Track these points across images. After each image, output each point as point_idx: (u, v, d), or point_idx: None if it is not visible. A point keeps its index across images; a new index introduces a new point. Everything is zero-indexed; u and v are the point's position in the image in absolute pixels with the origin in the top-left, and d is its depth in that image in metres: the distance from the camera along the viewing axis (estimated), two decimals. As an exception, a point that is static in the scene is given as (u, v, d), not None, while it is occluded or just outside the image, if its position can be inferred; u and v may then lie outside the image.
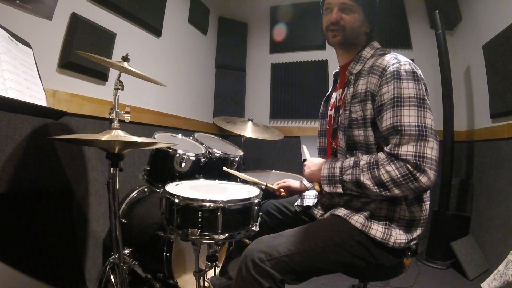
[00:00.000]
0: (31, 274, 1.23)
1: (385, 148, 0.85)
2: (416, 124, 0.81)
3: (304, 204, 1.12)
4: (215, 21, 3.19)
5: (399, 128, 0.82)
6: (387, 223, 0.89)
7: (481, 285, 1.67)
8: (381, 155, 0.85)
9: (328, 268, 0.88)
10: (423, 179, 0.78)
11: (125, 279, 1.23)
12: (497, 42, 2.01)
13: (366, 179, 0.85)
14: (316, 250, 0.85)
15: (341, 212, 0.93)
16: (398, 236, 0.87)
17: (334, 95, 1.13)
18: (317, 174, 0.97)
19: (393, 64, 0.88)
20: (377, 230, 0.87)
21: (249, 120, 2.07)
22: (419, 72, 0.88)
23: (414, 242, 0.92)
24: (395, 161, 0.81)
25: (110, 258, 1.30)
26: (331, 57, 2.99)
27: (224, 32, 3.23)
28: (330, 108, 1.13)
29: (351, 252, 0.87)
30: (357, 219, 0.89)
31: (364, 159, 0.88)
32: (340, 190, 0.91)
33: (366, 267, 0.89)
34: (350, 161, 0.90)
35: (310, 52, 3.09)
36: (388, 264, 0.90)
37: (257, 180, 1.28)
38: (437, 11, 2.25)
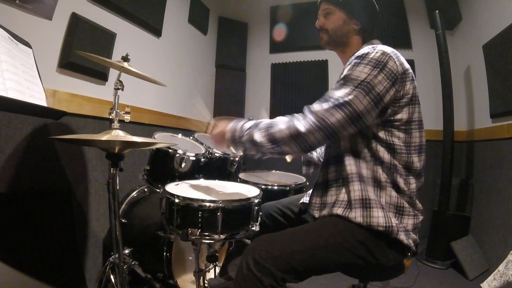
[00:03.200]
0: (31, 274, 1.22)
1: None
2: (343, 98, 0.85)
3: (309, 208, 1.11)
4: (215, 21, 3.19)
5: (324, 97, 0.89)
6: (380, 206, 0.88)
7: (481, 285, 1.67)
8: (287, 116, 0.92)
9: (329, 267, 0.88)
10: (301, 130, 0.86)
11: (125, 279, 1.23)
12: (497, 42, 2.01)
13: (259, 136, 0.92)
14: (317, 249, 0.85)
15: (339, 210, 0.92)
16: (396, 220, 0.88)
17: None
18: (221, 135, 1.05)
19: (365, 50, 0.90)
20: (378, 216, 0.86)
21: (250, 119, 2.07)
22: (393, 63, 0.87)
23: (414, 237, 0.92)
24: (292, 121, 0.89)
25: (110, 258, 1.30)
26: (331, 57, 3.00)
27: (224, 32, 3.23)
28: None
29: (352, 251, 0.87)
30: (356, 214, 0.88)
31: (269, 120, 0.95)
32: (240, 148, 0.99)
33: (366, 267, 0.89)
34: (251, 122, 0.98)
35: (310, 52, 3.09)
36: (387, 264, 0.89)
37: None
38: (437, 11, 2.25)
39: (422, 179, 0.95)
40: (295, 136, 0.87)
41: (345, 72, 0.91)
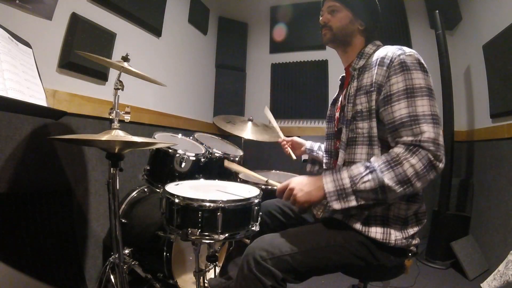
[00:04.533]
0: (31, 274, 1.23)
1: (400, 140, 0.83)
2: (431, 112, 0.82)
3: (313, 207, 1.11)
4: (215, 21, 3.19)
5: (415, 118, 0.81)
6: (384, 222, 0.88)
7: (481, 285, 1.67)
8: (398, 149, 0.81)
9: (330, 268, 0.88)
10: (440, 167, 0.79)
11: (125, 279, 1.23)
12: (497, 42, 2.01)
13: (388, 180, 0.79)
14: (319, 250, 0.85)
15: (340, 216, 0.93)
16: (397, 234, 0.88)
17: (340, 97, 1.13)
18: (316, 193, 0.86)
19: (399, 55, 0.87)
20: (376, 232, 0.87)
21: (249, 120, 2.07)
22: (423, 62, 0.88)
23: (415, 241, 0.92)
24: (418, 152, 0.78)
25: (110, 258, 1.29)
26: (331, 57, 3.00)
27: (224, 32, 3.23)
28: (336, 110, 1.13)
29: (353, 252, 0.87)
30: (355, 226, 0.89)
31: (377, 160, 0.83)
32: (353, 203, 0.82)
33: (367, 267, 0.89)
34: (358, 168, 0.84)
35: (310, 52, 3.09)
36: (389, 265, 0.90)
37: (258, 176, 1.14)
38: (437, 11, 2.25)
39: None
40: (430, 167, 0.78)
41: (400, 84, 0.85)
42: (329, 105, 1.19)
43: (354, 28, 1.03)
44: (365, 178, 0.81)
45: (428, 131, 0.79)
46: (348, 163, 0.95)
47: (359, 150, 0.93)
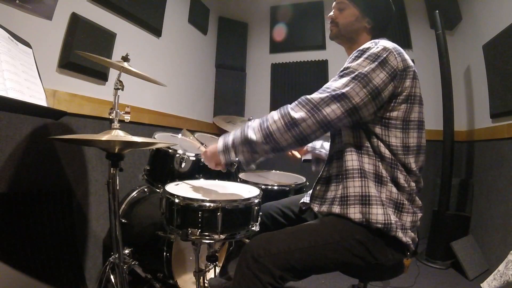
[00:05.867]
0: (31, 274, 1.23)
1: None
2: (338, 88, 0.86)
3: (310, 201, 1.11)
4: (215, 21, 3.19)
5: (325, 88, 0.88)
6: (380, 203, 0.88)
7: (481, 285, 1.67)
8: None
9: (327, 266, 0.88)
10: (294, 117, 0.84)
11: (125, 279, 1.23)
12: (497, 42, 2.01)
13: (252, 133, 0.88)
14: (316, 248, 0.85)
15: (337, 209, 0.92)
16: (396, 218, 0.88)
17: None
18: (214, 152, 1.00)
19: (366, 46, 0.90)
20: (377, 213, 0.86)
21: (249, 120, 2.07)
22: (393, 59, 0.86)
23: (413, 235, 0.92)
24: (285, 109, 0.87)
25: (110, 258, 1.29)
26: (331, 57, 3.00)
27: (224, 32, 3.23)
28: None
29: (351, 251, 0.87)
30: (355, 211, 0.88)
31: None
32: (233, 155, 0.94)
33: (365, 266, 0.89)
34: (241, 128, 0.94)
35: (310, 52, 3.09)
36: (387, 264, 0.89)
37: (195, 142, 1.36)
38: (437, 11, 2.25)
39: (420, 180, 0.95)
40: (290, 124, 0.85)
41: (345, 65, 0.91)
42: None
43: (360, 25, 1.04)
44: (237, 136, 0.92)
45: (317, 96, 0.87)
46: (337, 152, 1.00)
47: (345, 138, 0.96)
